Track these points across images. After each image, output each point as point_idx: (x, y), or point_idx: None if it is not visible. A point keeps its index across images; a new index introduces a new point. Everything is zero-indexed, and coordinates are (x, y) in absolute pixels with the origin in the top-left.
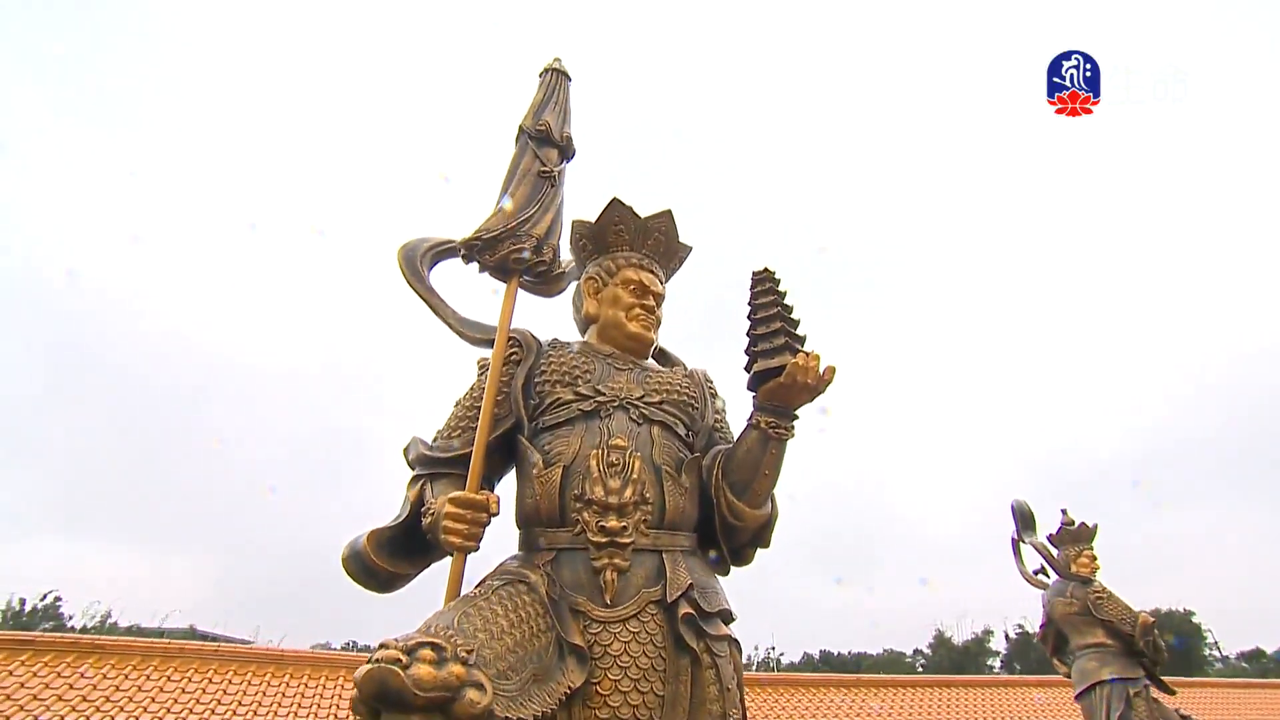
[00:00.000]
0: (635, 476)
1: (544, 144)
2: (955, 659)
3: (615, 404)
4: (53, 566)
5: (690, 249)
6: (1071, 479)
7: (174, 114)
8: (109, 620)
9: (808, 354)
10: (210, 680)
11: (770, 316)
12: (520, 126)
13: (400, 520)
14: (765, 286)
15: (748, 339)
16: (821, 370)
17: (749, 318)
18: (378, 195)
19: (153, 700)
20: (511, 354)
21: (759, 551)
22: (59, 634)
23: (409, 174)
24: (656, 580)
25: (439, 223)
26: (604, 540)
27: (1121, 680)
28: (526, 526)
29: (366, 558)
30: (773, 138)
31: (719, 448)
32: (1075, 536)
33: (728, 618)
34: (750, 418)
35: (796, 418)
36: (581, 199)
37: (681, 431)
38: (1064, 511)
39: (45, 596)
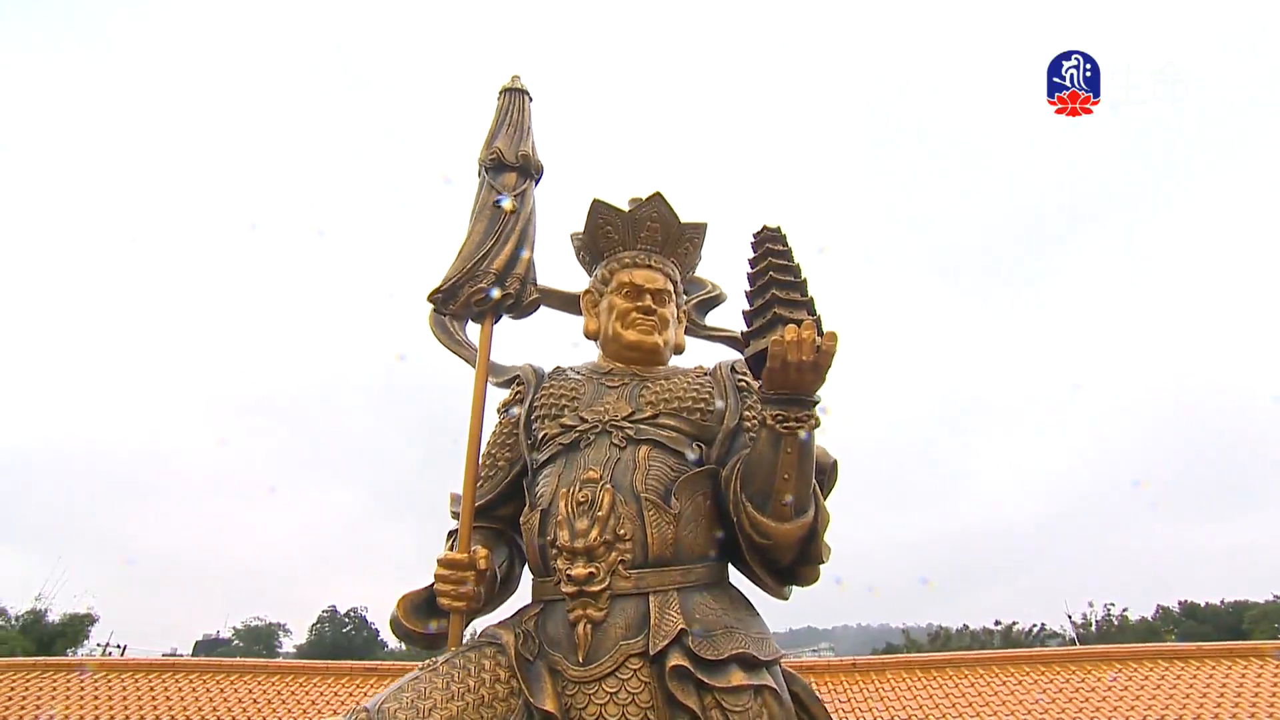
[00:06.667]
0: (603, 513)
1: (499, 171)
2: None
3: (597, 430)
4: None
5: (703, 226)
6: None
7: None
8: None
9: (799, 324)
10: None
11: (763, 286)
12: (478, 161)
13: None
14: (762, 250)
15: (742, 317)
16: (819, 340)
17: (746, 292)
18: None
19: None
20: (517, 393)
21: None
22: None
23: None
24: (639, 629)
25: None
26: (574, 590)
27: None
28: (532, 577)
29: (400, 623)
30: (774, 138)
31: (742, 453)
32: None
33: (750, 663)
34: (759, 413)
35: (816, 402)
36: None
37: (683, 446)
38: None
39: None
